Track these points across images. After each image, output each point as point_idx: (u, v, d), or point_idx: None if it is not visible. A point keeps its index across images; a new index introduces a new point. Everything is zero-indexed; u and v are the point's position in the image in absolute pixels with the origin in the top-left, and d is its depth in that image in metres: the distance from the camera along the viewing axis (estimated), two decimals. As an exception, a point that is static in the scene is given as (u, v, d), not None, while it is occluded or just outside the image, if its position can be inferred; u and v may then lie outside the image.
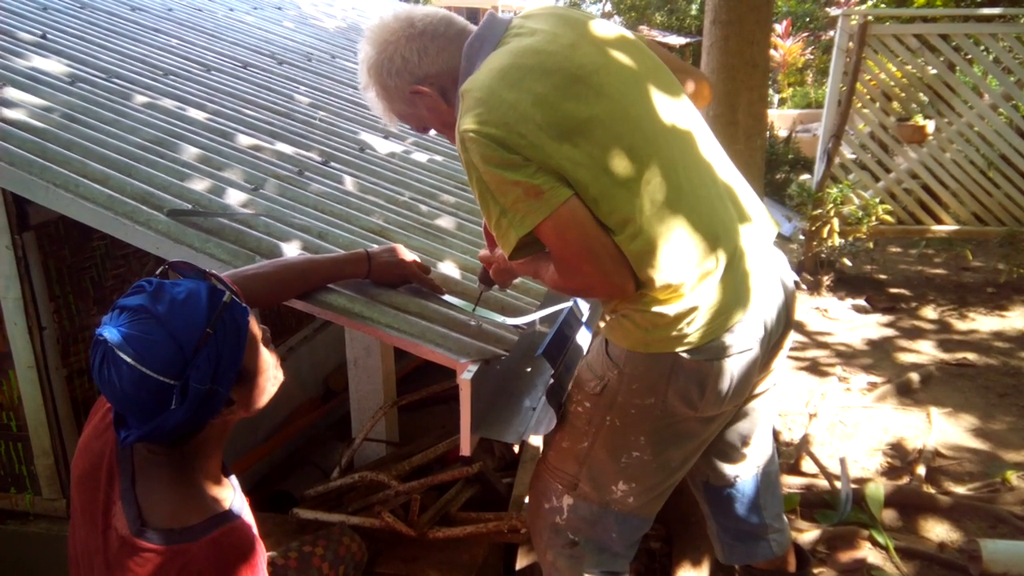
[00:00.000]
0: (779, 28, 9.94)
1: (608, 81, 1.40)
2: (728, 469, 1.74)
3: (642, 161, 1.38)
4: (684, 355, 1.43)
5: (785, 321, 1.60)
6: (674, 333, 1.42)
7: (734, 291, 1.44)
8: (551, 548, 1.68)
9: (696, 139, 1.50)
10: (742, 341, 1.47)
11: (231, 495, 1.21)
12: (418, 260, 1.71)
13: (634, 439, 1.54)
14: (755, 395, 1.65)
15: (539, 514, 1.70)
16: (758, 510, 1.80)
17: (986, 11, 5.36)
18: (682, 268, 1.39)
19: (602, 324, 1.56)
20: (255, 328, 1.17)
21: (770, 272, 1.54)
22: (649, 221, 1.37)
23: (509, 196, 1.34)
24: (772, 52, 6.60)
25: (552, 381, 1.57)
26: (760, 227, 1.56)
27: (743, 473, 1.75)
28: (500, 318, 1.70)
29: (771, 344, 1.57)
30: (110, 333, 1.06)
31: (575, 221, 1.34)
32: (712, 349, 1.44)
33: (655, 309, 1.41)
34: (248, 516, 1.22)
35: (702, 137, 1.52)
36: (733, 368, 1.47)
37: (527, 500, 1.79)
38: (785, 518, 1.89)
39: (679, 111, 1.49)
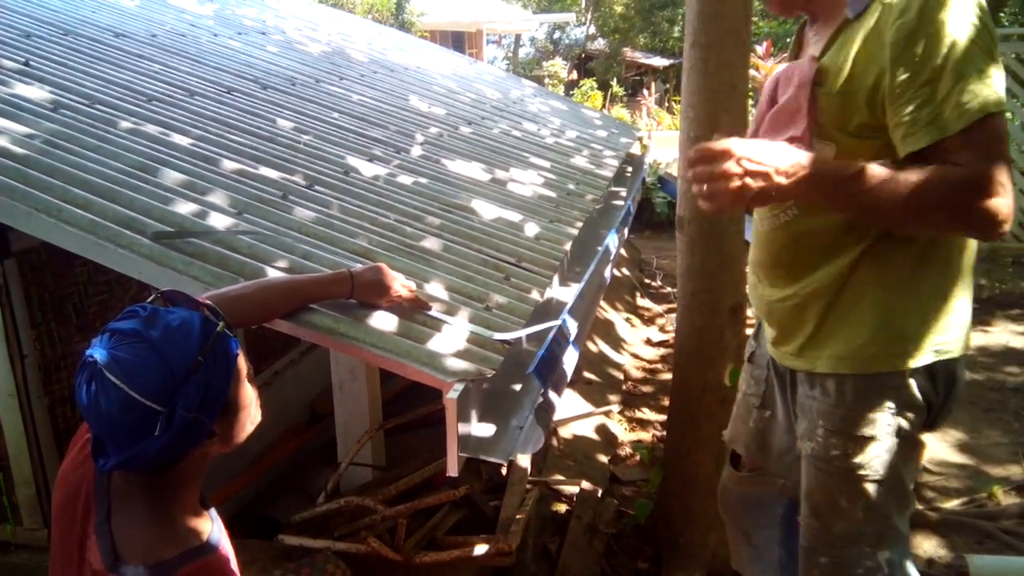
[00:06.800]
0: (760, 49, 10.05)
1: None
2: None
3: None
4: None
5: None
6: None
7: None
8: None
9: None
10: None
11: (209, 527, 1.20)
12: (404, 281, 1.71)
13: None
14: None
15: None
16: None
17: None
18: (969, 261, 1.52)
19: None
20: (243, 362, 1.17)
21: None
22: None
23: (984, 72, 1.27)
24: (753, 73, 6.69)
25: (541, 400, 1.57)
26: None
27: None
28: (488, 333, 1.70)
29: None
30: (99, 354, 1.05)
31: (1006, 133, 1.32)
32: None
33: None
34: (227, 548, 1.20)
35: None
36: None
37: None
38: None
39: None
